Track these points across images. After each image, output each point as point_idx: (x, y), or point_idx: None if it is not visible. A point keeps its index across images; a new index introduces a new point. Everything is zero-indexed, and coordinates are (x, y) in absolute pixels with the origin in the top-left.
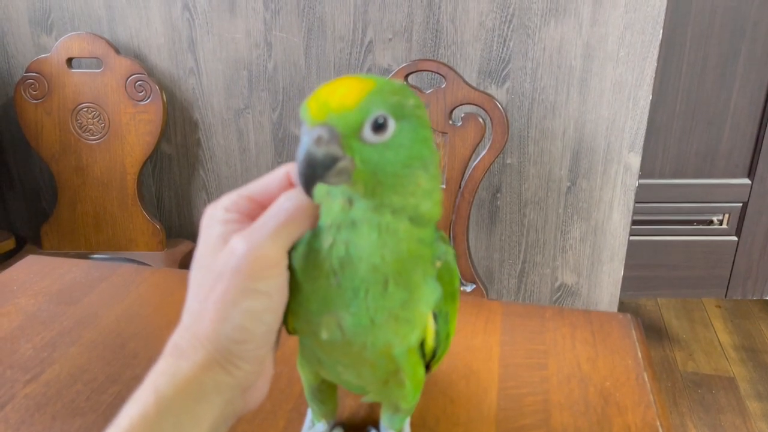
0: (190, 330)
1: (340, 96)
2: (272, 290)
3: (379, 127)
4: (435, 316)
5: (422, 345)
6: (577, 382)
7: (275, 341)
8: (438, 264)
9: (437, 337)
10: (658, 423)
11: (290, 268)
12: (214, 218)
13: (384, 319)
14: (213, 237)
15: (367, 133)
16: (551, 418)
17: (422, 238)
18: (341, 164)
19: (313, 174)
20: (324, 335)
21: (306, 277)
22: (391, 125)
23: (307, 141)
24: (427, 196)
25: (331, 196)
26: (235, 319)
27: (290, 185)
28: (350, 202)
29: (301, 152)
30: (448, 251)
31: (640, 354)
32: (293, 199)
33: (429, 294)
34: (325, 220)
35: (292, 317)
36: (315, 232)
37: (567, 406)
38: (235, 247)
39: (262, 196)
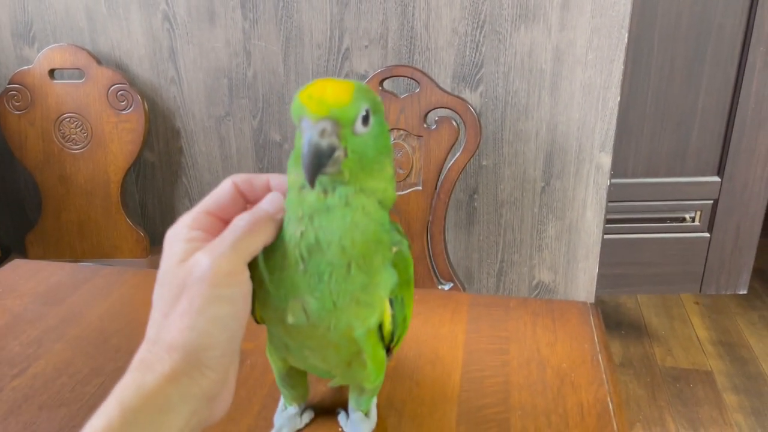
0: (156, 343)
1: (335, 93)
2: (236, 297)
3: (365, 119)
4: (391, 302)
5: (381, 329)
6: (536, 364)
7: (238, 353)
8: (394, 249)
9: (394, 320)
10: (609, 399)
11: (257, 263)
12: (178, 236)
13: (346, 303)
14: (176, 254)
15: (358, 124)
16: (510, 398)
17: (383, 222)
18: (337, 154)
19: (318, 163)
20: (290, 319)
21: (273, 267)
22: (371, 118)
23: (312, 134)
24: (391, 180)
25: (305, 189)
26: (201, 326)
27: (239, 194)
28: (325, 191)
29: (307, 144)
30: (403, 241)
31: (596, 338)
32: (246, 218)
33: (386, 279)
34: (296, 212)
35: (259, 306)
36: (283, 226)
37: (525, 387)
38: (198, 259)
39: (218, 209)
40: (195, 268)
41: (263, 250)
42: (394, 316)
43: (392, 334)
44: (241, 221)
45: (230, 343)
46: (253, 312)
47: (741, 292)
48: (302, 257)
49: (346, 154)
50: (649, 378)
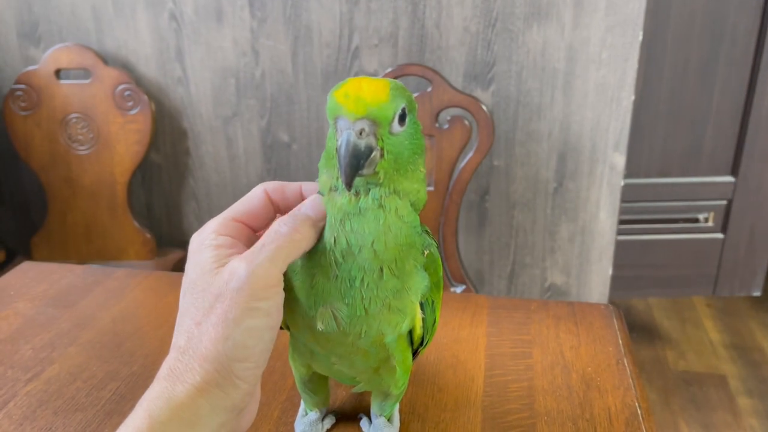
0: (187, 352)
1: (373, 92)
2: (272, 309)
3: (402, 118)
4: (422, 306)
5: (410, 333)
6: (560, 368)
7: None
8: (426, 253)
9: (424, 324)
10: (637, 404)
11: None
12: (204, 243)
13: (377, 309)
14: (206, 260)
15: (395, 124)
16: (535, 403)
17: (415, 225)
18: (374, 154)
19: (357, 164)
20: (320, 326)
21: (303, 274)
22: (407, 117)
23: (349, 134)
24: (423, 181)
25: (336, 192)
26: (236, 338)
27: (269, 202)
28: (357, 193)
29: (345, 145)
30: (432, 243)
31: (620, 341)
32: (289, 223)
33: (418, 283)
34: (329, 215)
35: (286, 312)
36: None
37: (550, 391)
38: (236, 268)
39: (247, 216)
40: (232, 277)
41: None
42: (424, 320)
43: (422, 338)
44: (283, 227)
45: (263, 355)
46: None
47: (755, 294)
48: (336, 263)
49: (382, 155)
50: (661, 382)
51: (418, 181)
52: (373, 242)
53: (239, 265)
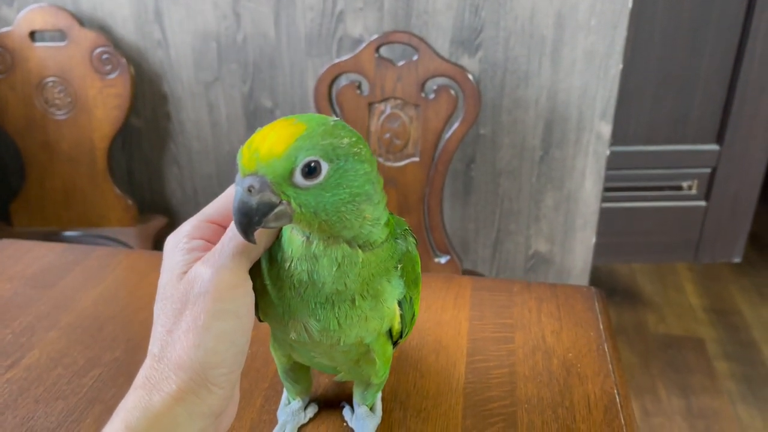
0: (161, 361)
1: (268, 144)
2: (241, 310)
3: (311, 171)
4: (399, 303)
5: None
6: (541, 354)
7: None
8: (399, 266)
9: (403, 319)
10: (616, 391)
11: (260, 267)
12: (177, 247)
13: (352, 323)
14: (176, 266)
15: (299, 178)
16: (516, 390)
17: (381, 260)
18: (279, 209)
19: (249, 222)
20: (292, 336)
21: (271, 285)
22: (324, 168)
23: (239, 191)
24: (376, 223)
25: (294, 230)
26: (208, 344)
27: None
28: (309, 239)
29: (235, 202)
30: (408, 242)
31: (602, 325)
32: None
33: (395, 291)
34: (288, 248)
35: (262, 311)
36: (279, 243)
37: (531, 378)
38: (199, 272)
39: (222, 217)
40: (196, 281)
41: (265, 254)
42: (402, 316)
43: (401, 332)
44: None
45: (237, 358)
46: (256, 311)
47: (735, 261)
48: (296, 287)
49: (294, 209)
50: (642, 346)
51: (365, 226)
52: (333, 283)
53: (203, 269)
